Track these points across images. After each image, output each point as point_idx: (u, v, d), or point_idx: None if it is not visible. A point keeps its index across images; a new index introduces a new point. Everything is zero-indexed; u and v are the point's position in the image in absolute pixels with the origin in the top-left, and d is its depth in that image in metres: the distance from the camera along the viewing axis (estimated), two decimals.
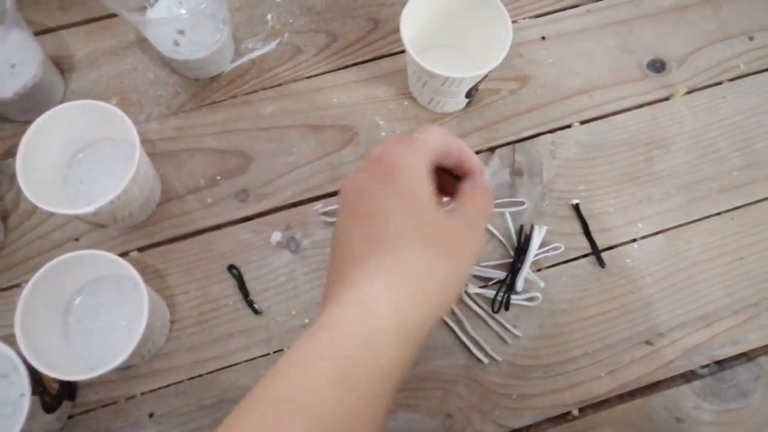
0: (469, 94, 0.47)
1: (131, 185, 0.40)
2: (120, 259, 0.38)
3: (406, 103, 0.50)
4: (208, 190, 0.48)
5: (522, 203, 0.48)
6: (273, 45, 0.52)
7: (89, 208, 0.39)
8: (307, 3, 0.53)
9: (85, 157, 0.45)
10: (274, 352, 0.44)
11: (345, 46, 0.52)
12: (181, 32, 0.45)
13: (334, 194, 0.48)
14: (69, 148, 0.45)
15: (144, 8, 0.48)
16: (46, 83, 0.47)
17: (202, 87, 0.50)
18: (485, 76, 0.45)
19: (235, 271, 0.46)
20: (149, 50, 0.51)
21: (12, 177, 0.46)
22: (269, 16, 0.52)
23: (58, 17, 0.52)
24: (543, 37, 0.53)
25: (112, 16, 0.52)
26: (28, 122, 0.41)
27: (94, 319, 0.42)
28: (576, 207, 0.48)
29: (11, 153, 0.46)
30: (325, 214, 0.47)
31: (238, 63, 0.51)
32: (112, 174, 0.45)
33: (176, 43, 0.46)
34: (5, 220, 0.46)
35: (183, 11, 0.45)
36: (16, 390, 0.39)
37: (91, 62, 0.51)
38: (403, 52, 0.51)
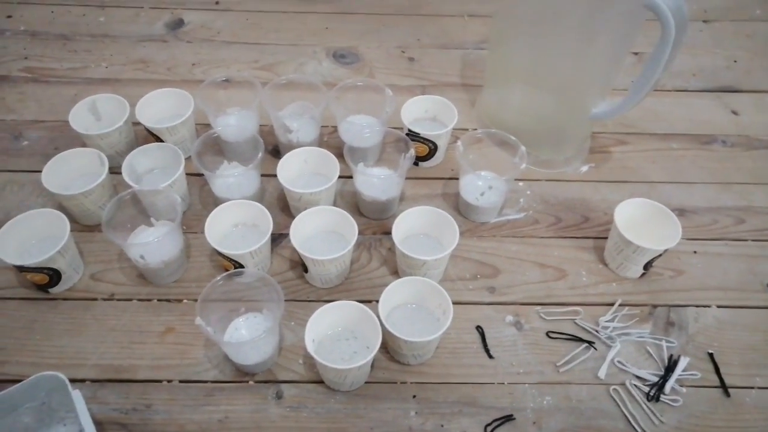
0: (645, 267, 0.76)
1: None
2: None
3: (600, 266, 0.80)
4: (471, 281, 0.77)
5: (673, 342, 0.72)
6: (521, 215, 0.85)
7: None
8: (545, 197, 0.87)
9: None
10: (497, 383, 0.68)
11: (566, 226, 0.84)
12: (482, 194, 0.80)
13: (548, 304, 0.75)
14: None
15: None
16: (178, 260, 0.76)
17: (474, 227, 0.83)
18: (660, 255, 0.74)
19: (480, 330, 0.73)
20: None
21: None
22: (521, 200, 0.87)
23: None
24: (695, 251, 0.82)
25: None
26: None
27: None
28: (710, 355, 0.71)
29: None
30: (540, 313, 0.74)
31: (498, 219, 0.84)
32: None
33: (480, 196, 0.81)
34: None
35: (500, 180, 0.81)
36: None
37: None
38: (599, 238, 0.82)
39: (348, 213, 0.74)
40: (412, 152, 0.77)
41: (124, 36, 1.11)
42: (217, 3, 1.19)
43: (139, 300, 0.74)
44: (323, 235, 0.77)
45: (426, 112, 0.91)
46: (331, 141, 0.94)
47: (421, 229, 0.78)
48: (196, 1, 1.19)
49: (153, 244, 0.71)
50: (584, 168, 0.92)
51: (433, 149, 0.87)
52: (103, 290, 0.75)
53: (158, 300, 0.74)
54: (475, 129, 0.97)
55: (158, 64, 1.06)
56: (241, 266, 0.73)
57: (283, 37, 1.13)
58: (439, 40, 1.14)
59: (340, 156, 0.82)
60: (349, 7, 1.20)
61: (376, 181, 0.80)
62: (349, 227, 0.74)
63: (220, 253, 0.71)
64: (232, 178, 0.79)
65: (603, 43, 0.76)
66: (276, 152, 0.92)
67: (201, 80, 0.96)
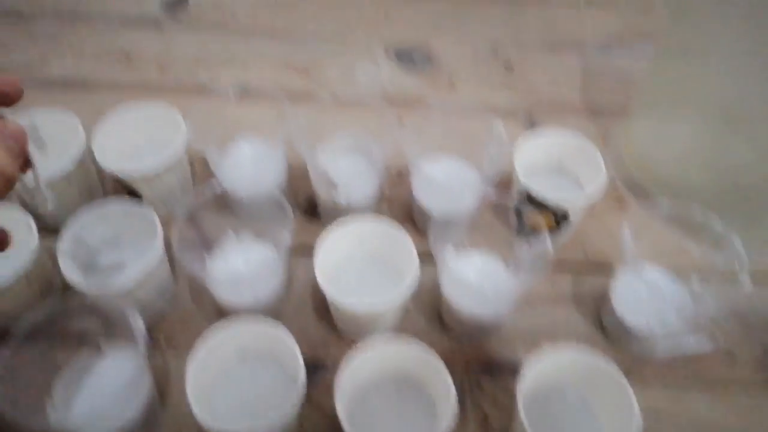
0: None
1: None
2: None
3: None
4: None
5: None
6: (707, 346, 0.52)
7: None
8: (738, 310, 0.54)
9: None
10: None
11: None
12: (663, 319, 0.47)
13: None
14: None
15: None
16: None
17: (631, 362, 0.51)
18: None
19: None
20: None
21: None
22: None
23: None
24: None
25: None
26: None
27: None
28: None
29: None
30: None
31: (672, 351, 0.51)
32: None
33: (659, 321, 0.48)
34: None
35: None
36: None
37: None
38: None
39: (432, 350, 0.43)
40: (548, 248, 0.45)
41: (103, 17, 0.79)
42: None
43: None
44: (392, 387, 0.45)
45: (548, 157, 0.58)
46: (394, 196, 0.61)
47: (557, 378, 0.45)
48: None
49: (95, 411, 0.40)
50: None
51: (561, 222, 0.54)
52: None
53: None
54: (613, 179, 0.63)
55: (146, 59, 0.74)
56: None
57: (325, 27, 0.80)
58: (545, 38, 0.79)
59: (407, 221, 0.50)
60: None
61: (478, 290, 0.48)
62: (436, 378, 0.42)
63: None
64: (240, 284, 0.48)
65: None
66: (310, 208, 0.60)
67: (205, 87, 0.64)
